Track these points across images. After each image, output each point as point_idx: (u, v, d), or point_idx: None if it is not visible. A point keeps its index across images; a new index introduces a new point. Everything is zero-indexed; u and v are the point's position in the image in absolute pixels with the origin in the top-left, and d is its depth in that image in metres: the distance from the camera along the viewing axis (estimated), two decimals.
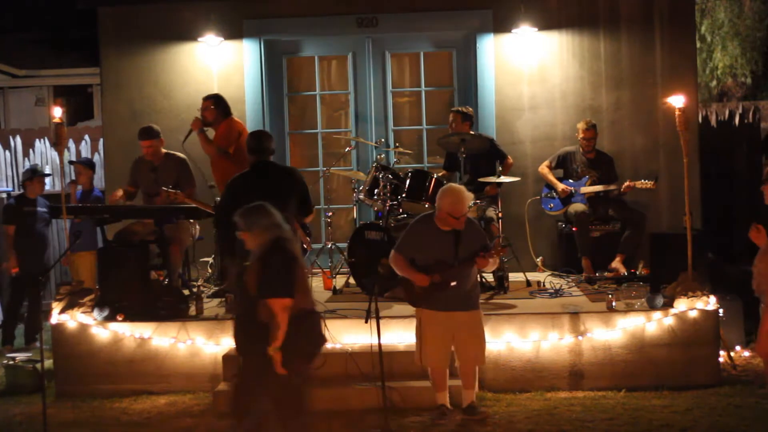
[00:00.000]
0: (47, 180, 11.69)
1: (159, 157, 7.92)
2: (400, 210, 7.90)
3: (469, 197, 5.95)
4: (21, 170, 11.25)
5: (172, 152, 8.05)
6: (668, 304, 6.75)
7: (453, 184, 6.09)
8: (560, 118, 9.06)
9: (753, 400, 6.21)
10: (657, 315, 6.70)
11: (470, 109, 8.40)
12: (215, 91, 9.11)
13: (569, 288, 7.76)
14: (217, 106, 7.97)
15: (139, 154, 8.12)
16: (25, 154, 11.78)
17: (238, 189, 6.51)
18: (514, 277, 8.00)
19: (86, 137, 11.75)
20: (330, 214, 8.41)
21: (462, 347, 5.96)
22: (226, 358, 6.78)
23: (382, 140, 9.10)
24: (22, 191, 9.05)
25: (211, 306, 7.46)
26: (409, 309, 7.04)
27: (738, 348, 7.24)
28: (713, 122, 12.02)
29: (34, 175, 8.92)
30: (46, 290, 9.87)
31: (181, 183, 7.88)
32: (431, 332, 5.92)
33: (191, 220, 7.87)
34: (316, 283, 8.17)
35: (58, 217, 7.63)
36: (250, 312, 4.94)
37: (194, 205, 7.58)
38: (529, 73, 9.08)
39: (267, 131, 6.85)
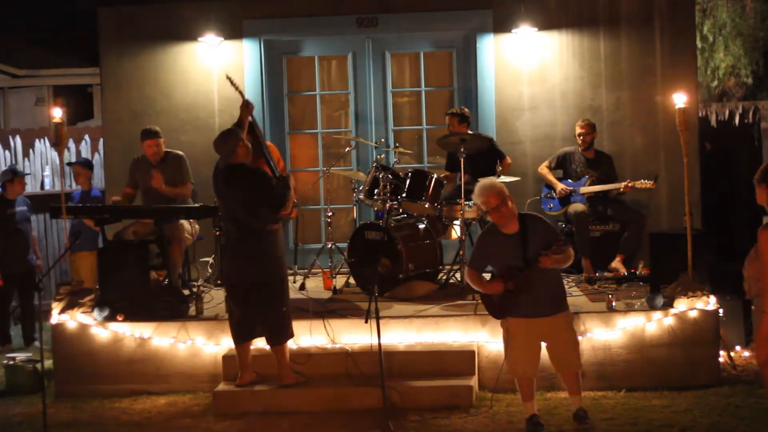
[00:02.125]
0: (47, 180, 11.72)
1: (159, 156, 7.92)
2: (400, 210, 7.91)
3: (492, 186, 5.74)
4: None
5: (169, 150, 8.05)
6: (668, 304, 6.75)
7: (480, 182, 5.91)
8: (560, 118, 9.06)
9: (753, 400, 6.20)
10: (657, 315, 6.70)
11: (466, 109, 8.38)
12: (215, 91, 9.15)
13: (569, 288, 7.74)
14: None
15: (138, 153, 8.11)
16: (25, 154, 11.78)
17: (215, 189, 6.53)
18: None
19: (86, 137, 11.76)
20: (330, 214, 8.41)
21: (554, 353, 5.79)
22: (226, 358, 6.78)
23: (382, 140, 9.10)
24: (1, 193, 8.95)
25: (211, 306, 7.46)
26: (409, 309, 7.07)
27: (738, 348, 7.24)
28: (713, 122, 12.03)
29: (15, 176, 8.86)
30: (46, 290, 9.86)
31: (177, 179, 7.89)
32: (517, 341, 5.72)
33: (191, 220, 7.87)
34: (316, 283, 8.19)
35: (58, 217, 7.62)
36: None
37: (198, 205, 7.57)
38: (529, 73, 9.08)
39: (225, 132, 6.63)
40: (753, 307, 5.41)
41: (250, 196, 6.28)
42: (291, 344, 6.53)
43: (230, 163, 6.37)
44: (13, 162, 11.56)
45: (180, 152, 8.06)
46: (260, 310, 6.34)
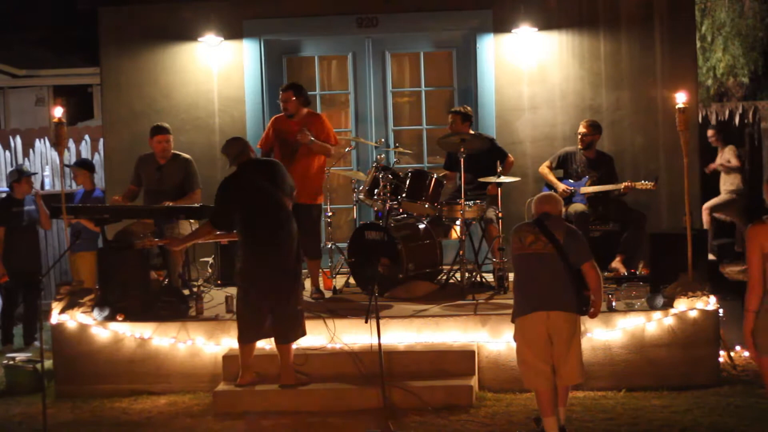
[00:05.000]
0: (47, 180, 11.72)
1: (167, 156, 7.90)
2: (400, 210, 7.90)
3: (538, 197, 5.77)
4: None
5: (178, 152, 8.04)
6: (668, 304, 6.75)
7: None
8: (560, 118, 9.06)
9: (753, 400, 6.20)
10: (657, 315, 6.70)
11: (469, 108, 8.40)
12: (215, 91, 9.13)
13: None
14: (300, 95, 7.74)
15: (141, 152, 8.11)
16: (25, 154, 11.77)
17: (237, 187, 6.52)
18: None
19: (86, 137, 11.74)
20: (330, 214, 8.41)
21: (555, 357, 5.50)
22: (226, 358, 6.79)
23: (382, 140, 9.10)
24: (9, 192, 8.96)
25: (211, 306, 7.46)
26: (409, 309, 7.08)
27: (738, 348, 7.24)
28: (713, 122, 12.05)
29: (21, 176, 8.86)
30: (46, 290, 9.86)
31: (186, 184, 7.88)
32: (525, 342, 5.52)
33: (191, 221, 7.86)
34: None
35: (57, 217, 7.62)
36: None
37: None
38: (529, 73, 9.08)
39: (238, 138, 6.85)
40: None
41: (279, 177, 6.54)
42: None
43: (253, 158, 6.64)
44: (14, 162, 11.56)
45: (188, 156, 8.02)
46: (275, 306, 6.35)
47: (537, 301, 5.43)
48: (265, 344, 6.67)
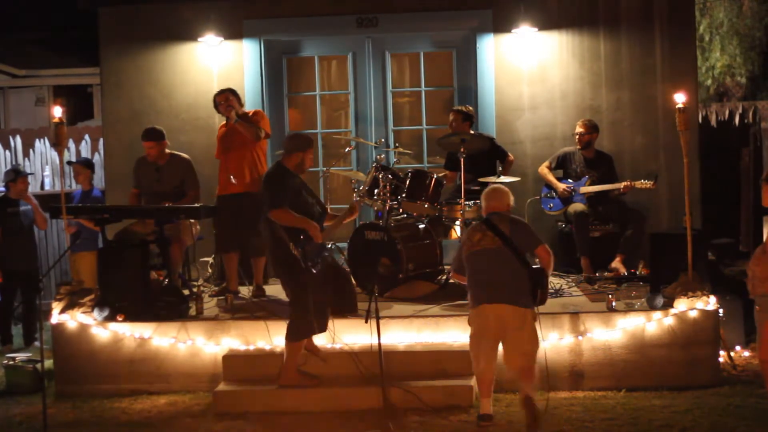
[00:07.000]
0: (47, 180, 11.72)
1: (163, 158, 7.91)
2: (400, 210, 7.91)
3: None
4: None
5: (176, 153, 8.03)
6: (668, 304, 6.75)
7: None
8: (560, 118, 9.06)
9: (753, 400, 6.21)
10: (657, 315, 6.70)
11: (471, 108, 8.41)
12: (216, 91, 9.14)
13: (569, 288, 7.75)
14: (237, 97, 7.88)
15: (141, 153, 8.11)
16: (25, 154, 11.78)
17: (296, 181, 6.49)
18: None
19: (86, 137, 11.75)
20: None
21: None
22: (226, 358, 6.79)
23: (382, 140, 9.10)
24: (5, 192, 8.95)
25: (211, 306, 7.46)
26: (409, 309, 7.08)
27: (738, 348, 7.24)
28: (713, 122, 12.05)
29: (17, 176, 8.86)
30: (46, 290, 9.85)
31: (186, 184, 7.88)
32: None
33: (191, 220, 7.87)
34: None
35: (58, 217, 7.62)
36: None
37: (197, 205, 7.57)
38: (529, 73, 9.08)
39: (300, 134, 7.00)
40: (757, 306, 5.44)
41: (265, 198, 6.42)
42: None
43: (280, 161, 6.50)
44: (14, 162, 11.55)
45: (187, 156, 8.03)
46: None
47: (485, 295, 5.81)
48: (265, 344, 6.75)
